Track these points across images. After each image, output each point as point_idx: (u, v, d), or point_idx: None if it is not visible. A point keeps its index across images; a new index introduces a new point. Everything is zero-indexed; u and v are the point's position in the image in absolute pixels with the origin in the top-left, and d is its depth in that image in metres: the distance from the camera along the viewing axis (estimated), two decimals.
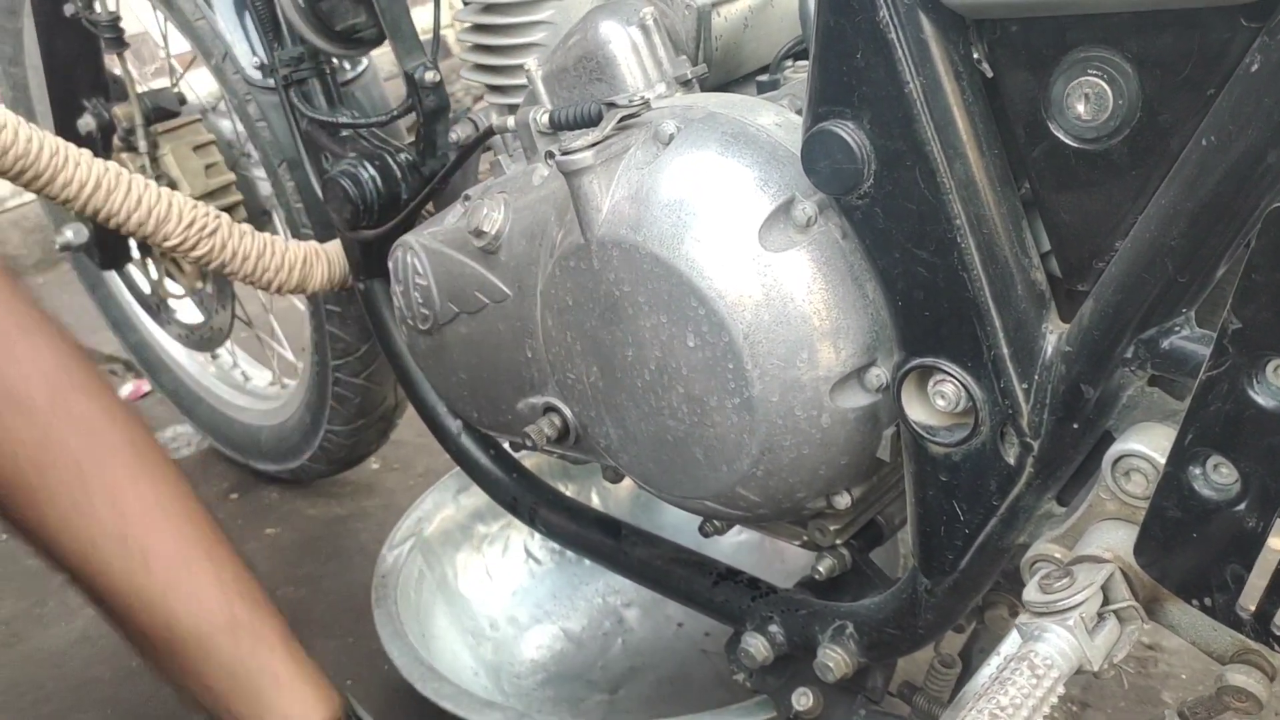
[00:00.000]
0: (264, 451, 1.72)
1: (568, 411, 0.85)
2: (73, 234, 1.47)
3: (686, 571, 0.95)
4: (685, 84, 0.80)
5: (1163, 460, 0.55)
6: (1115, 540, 0.58)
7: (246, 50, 1.21)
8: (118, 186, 1.05)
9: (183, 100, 1.43)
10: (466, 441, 1.07)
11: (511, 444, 1.00)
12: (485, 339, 0.88)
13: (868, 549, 0.85)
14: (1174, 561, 0.55)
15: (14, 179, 1.00)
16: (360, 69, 1.22)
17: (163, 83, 1.45)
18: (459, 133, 0.99)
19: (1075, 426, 0.61)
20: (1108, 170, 0.56)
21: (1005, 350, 0.61)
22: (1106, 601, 0.57)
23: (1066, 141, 0.56)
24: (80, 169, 1.04)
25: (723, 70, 0.84)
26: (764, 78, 0.82)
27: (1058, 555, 0.62)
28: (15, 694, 1.43)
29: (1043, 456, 0.63)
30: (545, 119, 0.80)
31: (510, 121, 0.86)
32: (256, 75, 1.21)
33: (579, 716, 1.23)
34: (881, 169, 0.61)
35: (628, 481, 1.12)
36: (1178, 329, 0.56)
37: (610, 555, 0.99)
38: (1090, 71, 0.54)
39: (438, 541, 1.32)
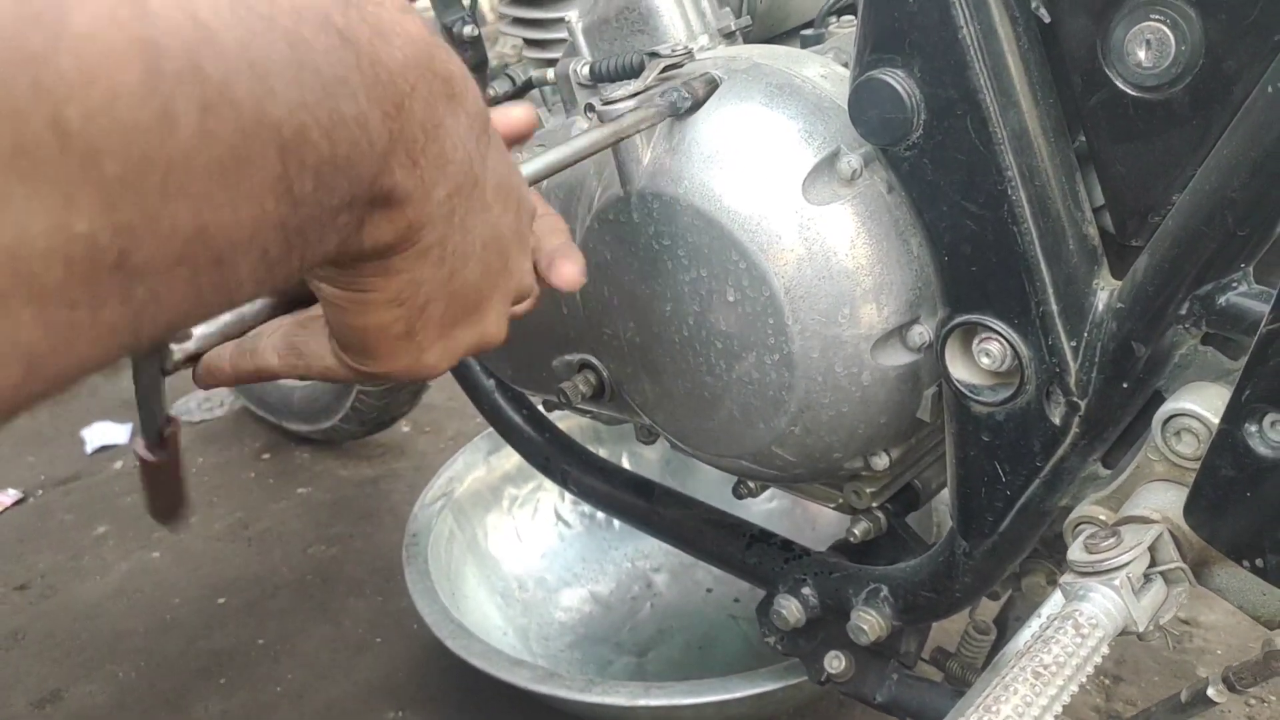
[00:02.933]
0: (296, 412, 1.73)
1: (603, 368, 0.84)
2: None
3: (719, 533, 0.94)
4: (728, 36, 0.78)
5: (1216, 420, 0.53)
6: (1163, 501, 0.57)
7: None
8: None
9: None
10: (500, 400, 1.06)
11: (545, 403, 1.00)
12: None
13: (904, 513, 0.83)
14: (1226, 522, 0.53)
15: None
16: None
17: None
18: (496, 89, 0.97)
19: (1125, 386, 0.59)
20: (1168, 120, 0.54)
21: (1054, 307, 0.60)
22: (1153, 563, 0.56)
23: (1125, 90, 0.55)
24: None
25: (766, 24, 0.83)
26: (808, 32, 0.81)
27: (1102, 517, 0.61)
28: (51, 645, 1.45)
29: (1090, 416, 0.61)
30: (586, 70, 0.79)
31: (550, 74, 0.85)
32: None
33: (607, 679, 1.23)
34: (932, 118, 0.59)
35: (658, 445, 1.11)
36: (1235, 285, 0.54)
37: (643, 516, 0.99)
38: (1152, 16, 0.52)
39: (469, 502, 1.33)
